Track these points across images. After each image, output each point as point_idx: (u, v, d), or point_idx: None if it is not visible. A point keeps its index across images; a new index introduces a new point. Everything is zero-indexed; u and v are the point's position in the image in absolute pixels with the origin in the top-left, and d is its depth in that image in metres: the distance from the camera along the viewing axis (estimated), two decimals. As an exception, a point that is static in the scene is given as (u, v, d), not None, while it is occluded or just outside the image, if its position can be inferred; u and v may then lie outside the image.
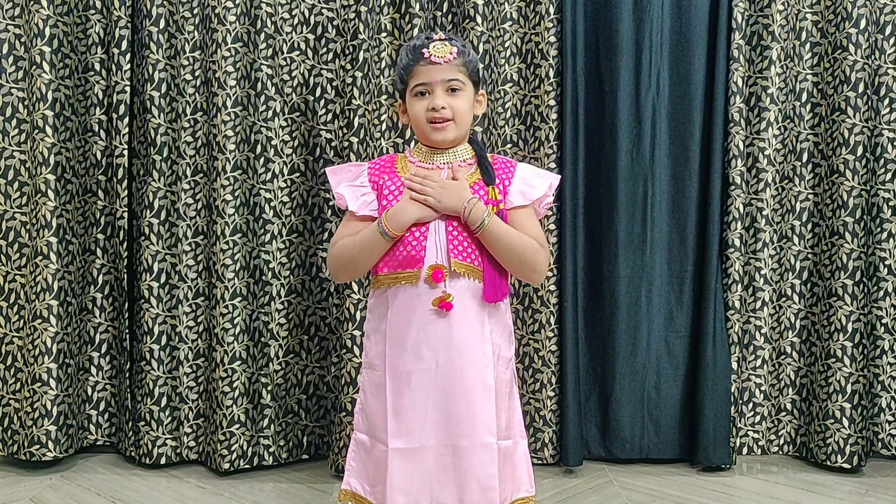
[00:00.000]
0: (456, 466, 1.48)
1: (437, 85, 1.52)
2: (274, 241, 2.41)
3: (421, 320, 1.49)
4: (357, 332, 2.30)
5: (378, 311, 1.56)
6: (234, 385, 2.36)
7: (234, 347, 2.35)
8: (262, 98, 2.38)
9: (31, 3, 2.29)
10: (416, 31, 2.34)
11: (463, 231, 1.50)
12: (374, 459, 1.54)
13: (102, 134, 2.45)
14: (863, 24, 2.40)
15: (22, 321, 2.39)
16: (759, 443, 2.57)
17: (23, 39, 2.35)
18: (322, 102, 2.42)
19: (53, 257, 2.32)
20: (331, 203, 2.45)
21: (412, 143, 2.33)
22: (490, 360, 1.51)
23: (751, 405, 2.55)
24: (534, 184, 1.57)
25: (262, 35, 2.36)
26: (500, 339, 1.56)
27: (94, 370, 2.49)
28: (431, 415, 1.48)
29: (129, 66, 2.38)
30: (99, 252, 2.48)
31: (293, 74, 2.42)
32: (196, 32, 2.37)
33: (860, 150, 2.42)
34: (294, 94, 2.43)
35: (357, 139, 2.31)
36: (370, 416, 1.56)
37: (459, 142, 1.58)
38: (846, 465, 2.40)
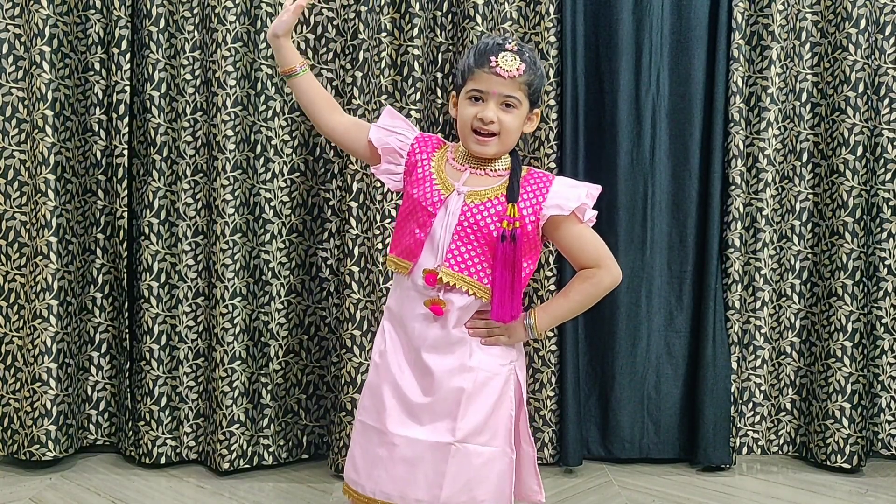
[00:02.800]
0: (406, 458, 1.48)
1: (494, 97, 1.47)
2: (274, 241, 2.41)
3: (408, 315, 1.51)
4: (357, 332, 2.30)
5: (389, 290, 1.62)
6: (234, 385, 2.36)
7: (233, 347, 2.35)
8: (262, 98, 2.38)
9: (31, 2, 2.29)
10: (415, 31, 2.33)
11: (469, 243, 1.47)
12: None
13: (102, 134, 2.44)
14: (863, 24, 2.40)
15: (22, 321, 2.39)
16: (759, 443, 2.57)
17: (23, 39, 2.35)
18: (322, 102, 2.42)
19: (53, 257, 2.32)
20: (331, 203, 2.45)
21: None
22: (466, 363, 1.49)
23: (751, 405, 2.55)
24: (568, 195, 1.51)
25: (262, 35, 2.36)
26: (491, 349, 1.52)
27: (93, 370, 2.49)
28: (399, 402, 1.50)
29: (128, 65, 2.38)
30: (99, 252, 2.47)
31: (293, 74, 2.41)
32: (196, 32, 2.37)
33: (860, 150, 2.42)
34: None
35: (357, 139, 2.30)
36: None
37: (499, 156, 1.53)
38: (846, 465, 2.40)
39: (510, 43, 1.49)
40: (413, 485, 1.46)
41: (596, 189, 1.54)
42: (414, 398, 1.49)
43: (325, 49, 2.42)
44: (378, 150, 1.58)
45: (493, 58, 1.46)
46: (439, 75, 2.40)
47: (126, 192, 2.41)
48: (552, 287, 2.41)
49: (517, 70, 1.46)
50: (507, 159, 1.54)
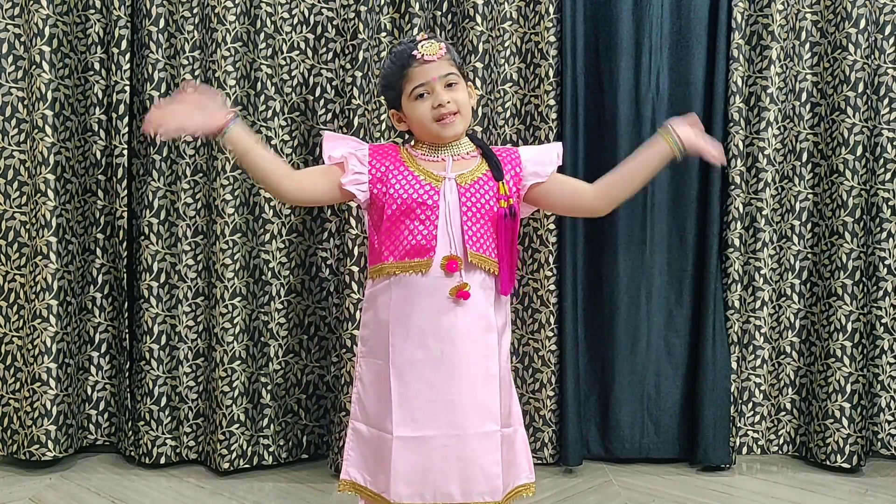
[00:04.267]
0: (460, 456, 1.48)
1: (436, 82, 1.52)
2: (273, 241, 2.41)
3: (426, 310, 1.49)
4: (357, 332, 2.30)
5: (380, 300, 1.55)
6: (234, 385, 2.36)
7: (233, 347, 2.35)
8: (262, 98, 2.38)
9: (31, 2, 2.29)
10: (415, 30, 2.34)
11: (478, 222, 1.50)
12: (374, 448, 1.54)
13: (102, 133, 2.45)
14: (862, 23, 2.40)
15: (21, 321, 2.39)
16: (759, 442, 2.57)
17: (22, 39, 2.35)
18: (322, 102, 2.42)
19: (53, 257, 2.32)
20: (330, 203, 2.45)
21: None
22: (495, 349, 1.52)
23: (750, 405, 2.55)
24: (541, 159, 1.60)
25: (262, 35, 2.36)
26: (504, 330, 1.57)
27: (93, 370, 2.49)
28: (436, 404, 1.49)
29: (128, 65, 2.38)
30: (98, 252, 2.47)
31: (293, 74, 2.42)
32: (196, 32, 2.37)
33: (860, 150, 2.42)
34: (294, 94, 2.43)
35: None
36: (370, 405, 1.57)
37: (462, 135, 1.58)
38: (846, 465, 2.40)
39: (419, 36, 1.58)
40: (473, 480, 1.48)
41: (559, 147, 1.63)
42: (452, 395, 1.49)
43: (325, 49, 2.42)
44: (342, 162, 1.56)
45: (415, 52, 1.53)
46: (439, 75, 2.40)
47: (126, 191, 2.41)
48: (552, 287, 2.41)
49: (441, 50, 1.53)
50: (469, 142, 1.60)
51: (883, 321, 2.49)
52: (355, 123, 2.30)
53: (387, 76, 1.58)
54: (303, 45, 2.42)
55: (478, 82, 2.35)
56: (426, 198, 1.50)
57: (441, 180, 1.52)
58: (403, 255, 1.51)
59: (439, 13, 2.40)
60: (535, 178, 1.58)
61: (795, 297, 2.55)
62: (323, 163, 1.60)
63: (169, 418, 2.41)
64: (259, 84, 2.37)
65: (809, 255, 2.54)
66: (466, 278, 1.49)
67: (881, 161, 2.45)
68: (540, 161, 1.59)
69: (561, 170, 1.62)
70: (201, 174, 2.40)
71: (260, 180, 1.58)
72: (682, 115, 1.54)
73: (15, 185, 2.37)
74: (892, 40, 2.43)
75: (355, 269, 2.31)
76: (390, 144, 1.63)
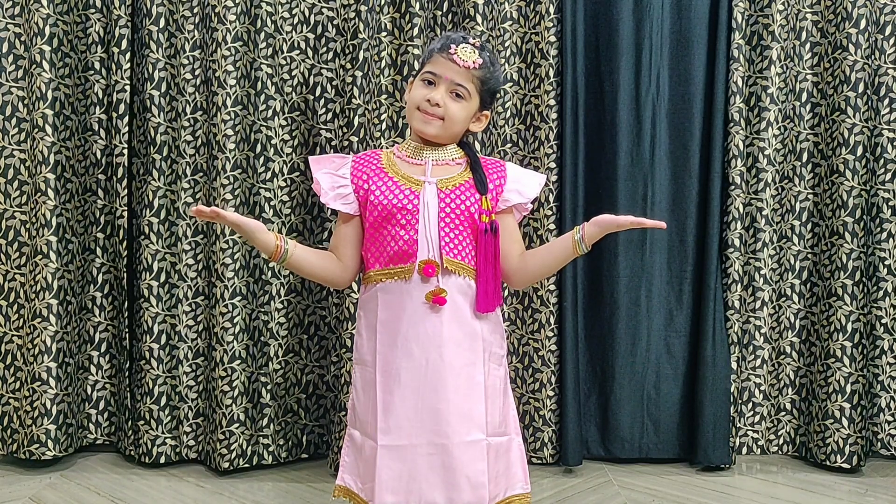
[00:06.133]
0: (445, 465, 1.47)
1: (445, 83, 1.51)
2: (274, 241, 2.40)
3: (412, 317, 1.49)
4: (357, 332, 2.31)
5: (369, 307, 1.55)
6: (234, 384, 2.36)
7: (233, 346, 2.35)
8: (262, 97, 2.38)
9: (31, 1, 2.29)
10: (416, 30, 2.34)
11: (455, 228, 1.50)
12: (365, 456, 1.54)
13: (102, 133, 2.45)
14: (863, 24, 2.40)
15: (21, 320, 2.39)
16: (759, 442, 2.57)
17: (23, 38, 2.35)
18: (322, 102, 2.42)
19: (53, 256, 2.32)
20: (331, 202, 2.45)
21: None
22: (480, 357, 1.51)
23: (750, 405, 2.55)
24: (527, 183, 1.58)
25: (262, 34, 2.36)
26: (492, 337, 1.55)
27: (93, 369, 2.49)
28: (421, 412, 1.48)
29: (128, 65, 2.38)
30: (99, 251, 2.47)
31: (293, 73, 2.42)
32: (196, 31, 2.37)
33: (860, 150, 2.42)
34: (294, 94, 2.43)
35: (357, 138, 2.31)
36: (360, 412, 1.57)
37: (446, 141, 1.56)
38: (845, 465, 2.40)
39: (475, 38, 1.54)
40: (457, 489, 1.47)
41: (544, 179, 1.62)
42: (437, 403, 1.48)
43: (325, 49, 2.42)
44: (322, 186, 1.56)
45: (453, 46, 1.51)
46: (439, 75, 2.40)
47: (126, 191, 2.41)
48: (552, 287, 2.41)
49: (473, 62, 1.51)
50: (457, 149, 1.58)
51: (883, 321, 2.49)
52: (355, 123, 2.30)
53: (426, 49, 1.59)
54: (303, 45, 2.42)
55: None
56: (406, 202, 1.49)
57: (420, 184, 1.51)
58: (387, 261, 1.50)
59: (440, 13, 2.40)
60: (517, 196, 1.55)
61: (795, 298, 2.55)
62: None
63: (169, 418, 2.41)
64: (259, 83, 2.37)
65: (809, 256, 2.54)
66: (445, 284, 1.48)
67: (881, 161, 2.45)
68: (525, 183, 1.57)
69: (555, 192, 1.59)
70: (201, 174, 2.40)
71: (316, 280, 1.62)
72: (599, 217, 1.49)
73: (15, 184, 2.37)
74: (892, 40, 2.43)
75: (355, 268, 2.31)
76: (374, 151, 1.62)
